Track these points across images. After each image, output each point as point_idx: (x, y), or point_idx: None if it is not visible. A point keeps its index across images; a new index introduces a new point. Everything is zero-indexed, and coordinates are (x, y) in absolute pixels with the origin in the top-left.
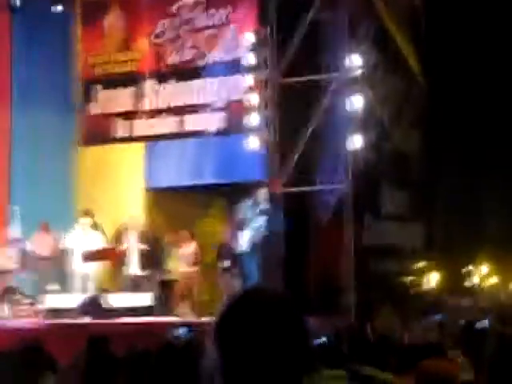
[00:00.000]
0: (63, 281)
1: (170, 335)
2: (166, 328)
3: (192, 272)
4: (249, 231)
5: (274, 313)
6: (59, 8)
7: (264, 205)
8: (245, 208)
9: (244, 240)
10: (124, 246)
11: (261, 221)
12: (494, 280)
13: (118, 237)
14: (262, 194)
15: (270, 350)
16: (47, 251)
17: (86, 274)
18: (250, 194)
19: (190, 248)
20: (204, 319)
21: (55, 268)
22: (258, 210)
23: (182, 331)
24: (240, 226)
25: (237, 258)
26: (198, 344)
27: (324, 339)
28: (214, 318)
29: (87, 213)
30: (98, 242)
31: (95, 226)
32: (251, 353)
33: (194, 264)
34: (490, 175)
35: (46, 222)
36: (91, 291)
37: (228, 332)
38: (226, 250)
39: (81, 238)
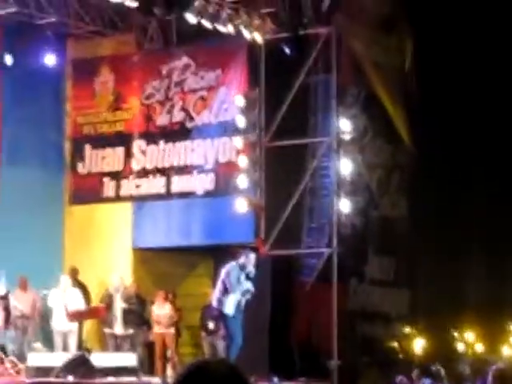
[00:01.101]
0: (47, 339)
1: None
2: None
3: (166, 333)
4: (235, 295)
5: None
6: (50, 65)
7: (251, 269)
8: (231, 270)
9: (230, 303)
10: (109, 305)
11: (248, 285)
12: (479, 347)
13: (104, 296)
14: (251, 258)
15: None
16: (28, 309)
17: (67, 332)
18: (237, 255)
19: (164, 309)
20: None
21: (37, 326)
22: (244, 275)
23: None
24: (226, 288)
25: (222, 320)
26: None
27: None
28: None
29: (70, 271)
30: (79, 301)
31: (77, 285)
32: None
33: (169, 325)
34: (476, 240)
35: (25, 279)
36: (73, 350)
37: None
38: (210, 312)
39: (61, 297)
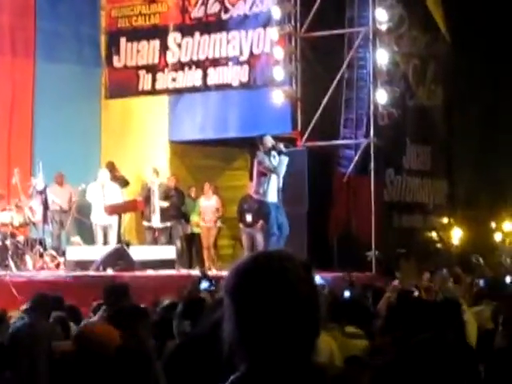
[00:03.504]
0: (84, 233)
1: (193, 288)
2: (189, 281)
3: (211, 226)
4: (275, 179)
5: (287, 276)
6: None
7: (280, 146)
8: (261, 157)
9: (272, 190)
10: (147, 199)
11: (284, 160)
12: None
13: (142, 189)
14: (267, 140)
15: (282, 312)
16: (65, 203)
17: (107, 226)
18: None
19: (211, 201)
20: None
21: (74, 220)
22: (276, 152)
23: (204, 285)
24: (264, 175)
25: (263, 210)
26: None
27: (348, 294)
28: (227, 278)
29: (107, 165)
30: (117, 195)
31: (115, 179)
32: (264, 314)
33: (215, 218)
34: None
35: (61, 174)
36: (112, 243)
37: (240, 293)
38: (247, 204)
39: (100, 191)
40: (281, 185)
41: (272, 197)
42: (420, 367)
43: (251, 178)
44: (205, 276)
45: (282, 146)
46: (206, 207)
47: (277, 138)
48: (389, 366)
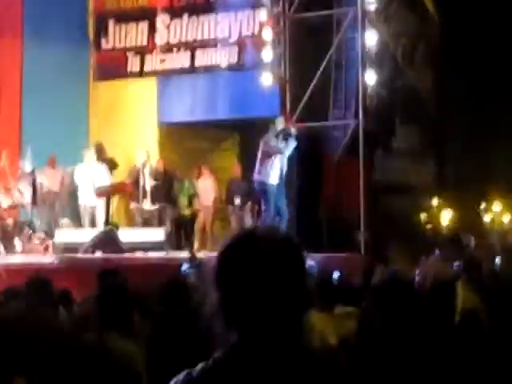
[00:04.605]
0: (74, 216)
1: (177, 271)
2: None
3: (206, 207)
4: (279, 160)
5: (274, 252)
6: None
7: (288, 130)
8: (268, 138)
9: (275, 172)
10: (136, 182)
11: (291, 143)
12: (506, 218)
13: (131, 172)
14: (278, 121)
15: (270, 288)
16: (56, 186)
17: (94, 208)
18: (264, 129)
19: (207, 182)
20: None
21: (65, 203)
22: (281, 136)
23: (185, 267)
24: (269, 156)
25: (254, 193)
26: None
27: (337, 274)
28: (215, 256)
29: (96, 146)
30: (105, 177)
31: (103, 160)
32: (251, 290)
33: (210, 200)
34: (502, 112)
35: (54, 157)
36: (100, 226)
37: (228, 270)
38: (236, 186)
39: (87, 172)
40: (285, 168)
41: (273, 179)
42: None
43: (241, 160)
44: (193, 258)
45: (292, 129)
46: (204, 189)
47: (266, 121)
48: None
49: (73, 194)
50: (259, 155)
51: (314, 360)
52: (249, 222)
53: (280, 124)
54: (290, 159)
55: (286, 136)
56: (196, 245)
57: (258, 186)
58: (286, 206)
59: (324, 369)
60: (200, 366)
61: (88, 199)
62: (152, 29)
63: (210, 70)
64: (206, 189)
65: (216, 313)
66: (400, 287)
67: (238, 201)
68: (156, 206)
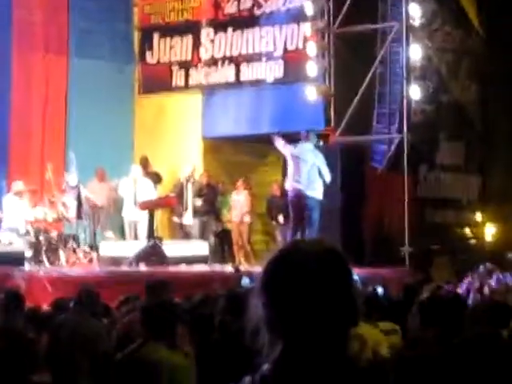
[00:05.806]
0: (118, 229)
1: (235, 284)
2: (223, 277)
3: (242, 221)
4: (292, 167)
5: (320, 263)
6: None
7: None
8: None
9: (318, 185)
10: (180, 196)
11: (319, 157)
12: None
13: (175, 186)
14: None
15: (316, 299)
16: (102, 199)
17: (137, 222)
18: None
19: (240, 196)
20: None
21: (110, 216)
22: (312, 146)
23: (245, 281)
24: (299, 168)
25: (306, 206)
26: None
27: (380, 289)
28: (261, 269)
29: (141, 161)
30: (150, 190)
31: (148, 174)
32: (297, 302)
33: (245, 213)
34: None
35: (103, 170)
36: (142, 239)
37: (274, 282)
38: (275, 204)
39: (132, 186)
40: (303, 173)
41: (318, 193)
42: (475, 363)
43: (284, 174)
44: (237, 271)
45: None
46: (237, 202)
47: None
48: (435, 359)
49: (117, 207)
50: (291, 161)
51: (361, 372)
52: (289, 237)
53: (314, 139)
54: (331, 172)
55: (315, 146)
56: (237, 259)
57: (297, 195)
58: (328, 220)
59: (371, 381)
60: (247, 379)
61: (131, 213)
62: (196, 42)
63: (255, 84)
64: (240, 202)
65: (262, 325)
66: (451, 307)
67: (280, 220)
68: (201, 219)
